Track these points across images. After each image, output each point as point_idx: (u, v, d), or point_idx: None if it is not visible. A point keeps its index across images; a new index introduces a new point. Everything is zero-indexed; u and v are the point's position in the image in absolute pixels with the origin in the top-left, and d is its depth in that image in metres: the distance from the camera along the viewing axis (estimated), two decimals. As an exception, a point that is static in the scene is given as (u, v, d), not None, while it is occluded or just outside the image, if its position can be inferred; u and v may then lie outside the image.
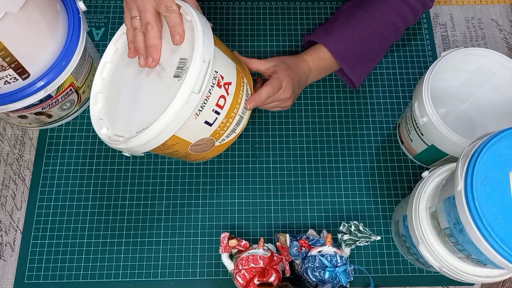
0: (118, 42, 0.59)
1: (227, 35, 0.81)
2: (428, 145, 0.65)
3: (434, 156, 0.67)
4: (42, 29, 0.57)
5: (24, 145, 0.73)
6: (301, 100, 0.77)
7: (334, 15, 0.73)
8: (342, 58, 0.68)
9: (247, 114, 0.57)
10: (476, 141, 0.48)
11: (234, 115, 0.55)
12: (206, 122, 0.52)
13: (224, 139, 0.57)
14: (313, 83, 0.78)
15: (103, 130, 0.56)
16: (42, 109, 0.66)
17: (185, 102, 0.47)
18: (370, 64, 0.73)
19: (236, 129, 0.57)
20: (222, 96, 0.52)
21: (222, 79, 0.51)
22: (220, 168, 0.72)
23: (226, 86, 0.52)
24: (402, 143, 0.73)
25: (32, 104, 0.62)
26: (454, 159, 0.64)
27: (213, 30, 0.80)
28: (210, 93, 0.50)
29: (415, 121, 0.64)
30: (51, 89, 0.61)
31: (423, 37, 0.82)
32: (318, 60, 0.68)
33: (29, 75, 0.58)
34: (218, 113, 0.52)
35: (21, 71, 0.57)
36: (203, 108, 0.49)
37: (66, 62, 0.61)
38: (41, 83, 0.60)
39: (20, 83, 0.59)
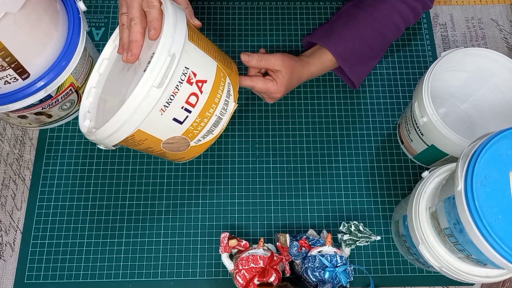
0: (117, 39, 0.59)
1: (227, 35, 0.81)
2: (428, 145, 0.65)
3: (434, 156, 0.67)
4: (42, 29, 0.57)
5: (24, 145, 0.73)
6: (301, 100, 0.77)
7: (334, 16, 0.73)
8: (343, 59, 0.68)
9: (227, 115, 0.56)
10: (476, 141, 0.48)
11: (209, 115, 0.53)
12: (175, 120, 0.51)
13: (200, 140, 0.56)
14: (313, 83, 0.78)
15: (86, 122, 0.56)
16: (42, 109, 0.66)
17: (144, 95, 0.46)
18: (370, 64, 0.73)
19: (213, 130, 0.56)
20: (194, 94, 0.50)
21: (195, 76, 0.50)
22: (220, 168, 0.72)
23: (200, 84, 0.51)
24: (402, 143, 0.73)
25: (32, 104, 0.62)
26: (454, 159, 0.64)
27: (213, 29, 0.81)
28: (178, 89, 0.48)
29: (415, 121, 0.64)
30: (51, 89, 0.61)
31: (423, 37, 0.82)
32: (321, 66, 0.68)
33: (29, 75, 0.58)
34: (189, 111, 0.51)
35: (21, 71, 0.57)
36: (169, 104, 0.48)
37: (66, 62, 0.61)
38: (41, 83, 0.60)
39: (20, 83, 0.59)
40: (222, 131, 0.57)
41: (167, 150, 0.56)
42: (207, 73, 0.52)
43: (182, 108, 0.50)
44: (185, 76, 0.49)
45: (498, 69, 0.64)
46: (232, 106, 0.56)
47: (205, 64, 0.52)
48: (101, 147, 0.53)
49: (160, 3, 0.52)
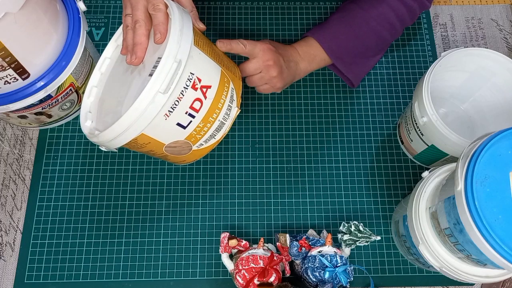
0: (119, 39, 0.59)
1: (227, 35, 0.81)
2: (428, 145, 0.65)
3: (434, 156, 0.67)
4: (42, 29, 0.57)
5: (24, 145, 0.73)
6: (301, 100, 0.77)
7: (331, 14, 0.74)
8: (337, 56, 0.68)
9: (230, 121, 0.56)
10: (476, 141, 0.48)
11: (213, 120, 0.53)
12: (179, 124, 0.51)
13: (202, 144, 0.56)
14: (313, 83, 0.78)
15: (87, 123, 0.56)
16: (42, 109, 0.65)
17: (149, 101, 0.46)
18: (367, 63, 0.73)
19: (216, 135, 0.56)
20: (198, 99, 0.50)
21: (199, 81, 0.50)
22: (220, 168, 0.72)
23: (204, 89, 0.51)
24: (402, 143, 0.73)
25: (32, 104, 0.62)
26: (454, 159, 0.64)
27: (213, 29, 0.81)
28: (183, 95, 0.48)
29: (415, 121, 0.64)
30: (51, 89, 0.61)
31: (423, 37, 0.82)
32: (306, 47, 0.68)
33: (29, 75, 0.58)
34: (192, 116, 0.51)
35: (21, 71, 0.57)
36: (174, 110, 0.48)
37: (66, 62, 0.61)
38: (41, 83, 0.60)
39: (20, 83, 0.59)
40: (224, 135, 0.57)
41: (169, 153, 0.55)
42: (212, 79, 0.52)
43: (186, 113, 0.50)
44: (190, 82, 0.49)
45: (498, 69, 0.64)
46: (234, 111, 0.56)
47: (210, 70, 0.52)
48: (103, 148, 0.53)
49: (166, 6, 0.52)
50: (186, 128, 0.52)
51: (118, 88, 0.56)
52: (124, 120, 0.47)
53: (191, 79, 0.49)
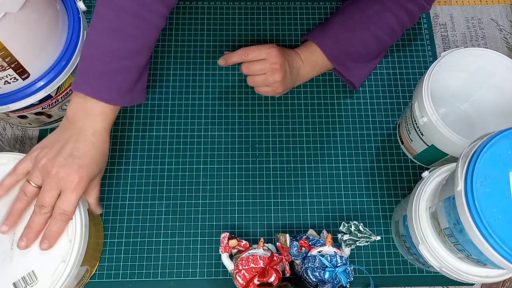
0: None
1: (227, 35, 0.81)
2: (428, 145, 0.65)
3: (434, 156, 0.67)
4: (42, 29, 0.57)
5: (24, 145, 0.73)
6: (301, 100, 0.77)
7: (332, 15, 0.73)
8: (339, 62, 0.69)
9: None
10: (476, 141, 0.48)
11: None
12: None
13: None
14: (313, 83, 0.78)
15: None
16: (42, 109, 0.65)
17: None
18: (368, 65, 0.73)
19: None
20: None
21: None
22: (220, 168, 0.72)
23: None
24: (402, 143, 0.73)
25: (32, 104, 0.62)
26: (454, 159, 0.64)
27: (213, 29, 0.81)
28: None
29: (415, 121, 0.64)
30: (51, 89, 0.61)
31: (423, 37, 0.82)
32: (308, 53, 0.68)
33: (29, 75, 0.58)
34: None
35: (21, 71, 0.57)
36: None
37: (66, 62, 0.61)
38: (41, 83, 0.60)
39: (20, 83, 0.59)
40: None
41: None
42: None
43: None
44: None
45: (498, 69, 0.64)
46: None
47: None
48: None
49: (70, 217, 0.52)
50: None
51: None
52: None
53: None
